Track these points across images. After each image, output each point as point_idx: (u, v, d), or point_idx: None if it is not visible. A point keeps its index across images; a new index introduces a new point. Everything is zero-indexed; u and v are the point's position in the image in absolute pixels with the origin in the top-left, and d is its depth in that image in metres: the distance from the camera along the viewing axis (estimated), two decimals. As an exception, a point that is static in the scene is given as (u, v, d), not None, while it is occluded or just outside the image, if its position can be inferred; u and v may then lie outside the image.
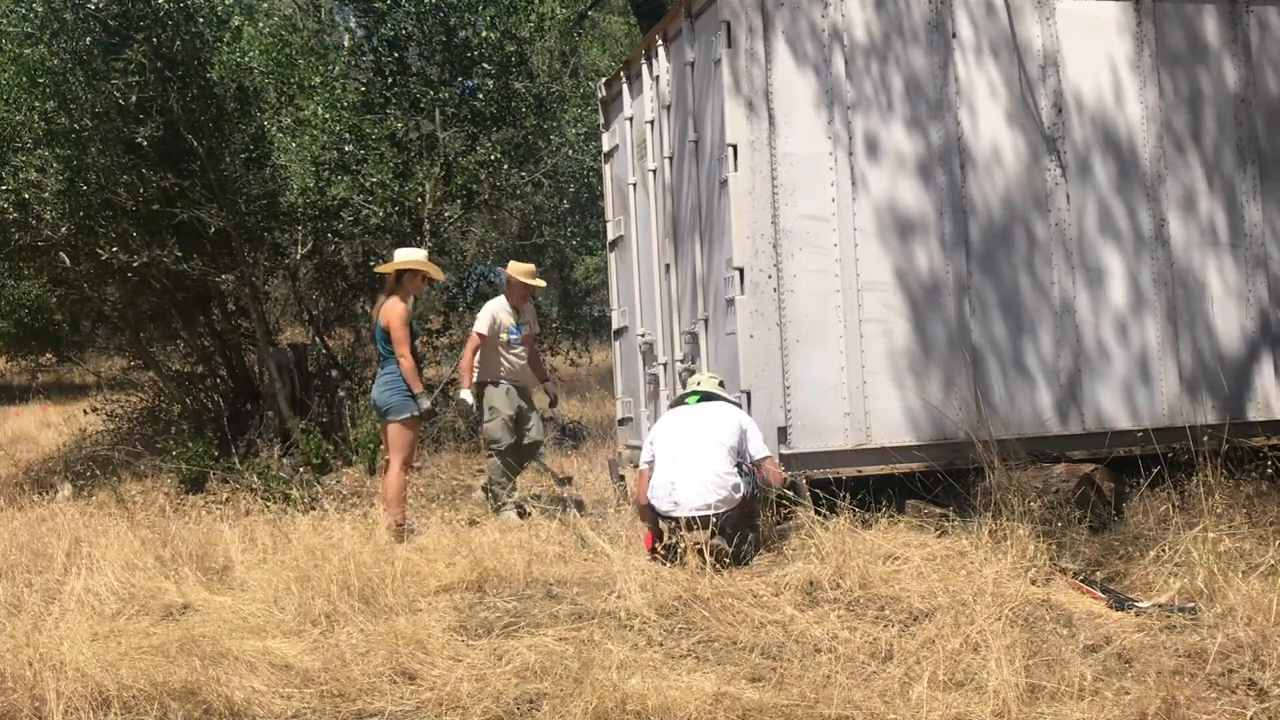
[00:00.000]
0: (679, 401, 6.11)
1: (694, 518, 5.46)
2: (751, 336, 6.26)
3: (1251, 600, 4.19)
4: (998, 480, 5.77)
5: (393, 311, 6.90)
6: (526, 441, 7.66)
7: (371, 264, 10.37)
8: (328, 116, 9.65)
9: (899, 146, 6.61)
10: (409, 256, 7.21)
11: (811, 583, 4.88)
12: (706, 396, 5.96)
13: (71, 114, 9.14)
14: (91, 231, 9.69)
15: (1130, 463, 6.38)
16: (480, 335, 7.51)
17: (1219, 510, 4.96)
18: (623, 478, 7.95)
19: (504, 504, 7.27)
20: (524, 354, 7.63)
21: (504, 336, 7.52)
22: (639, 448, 7.85)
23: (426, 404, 6.90)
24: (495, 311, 7.59)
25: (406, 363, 6.82)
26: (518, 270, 7.69)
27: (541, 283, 8.03)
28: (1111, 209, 6.89)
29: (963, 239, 6.66)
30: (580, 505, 7.60)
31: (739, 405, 6.07)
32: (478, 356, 7.54)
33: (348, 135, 9.79)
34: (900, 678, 3.74)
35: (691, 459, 5.62)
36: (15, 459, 12.72)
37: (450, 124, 10.39)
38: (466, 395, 7.55)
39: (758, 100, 6.38)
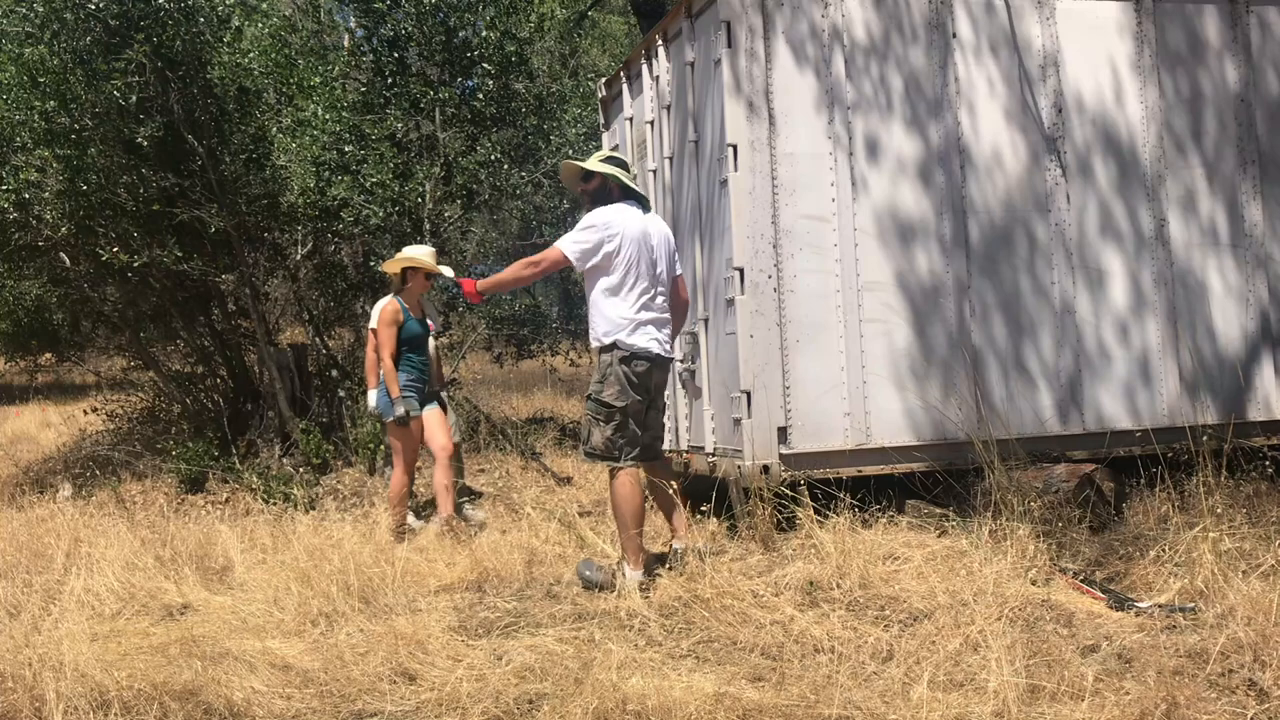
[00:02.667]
0: (627, 192, 5.37)
1: (667, 359, 5.33)
2: (751, 336, 6.26)
3: (1252, 600, 4.18)
4: (998, 480, 5.77)
5: (380, 312, 6.99)
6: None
7: (372, 264, 10.37)
8: (328, 117, 9.64)
9: (899, 147, 6.61)
10: (411, 253, 7.15)
11: (811, 583, 4.88)
12: (644, 203, 5.46)
13: (71, 114, 9.14)
14: (91, 231, 9.68)
15: (1130, 463, 6.38)
16: (373, 332, 7.33)
17: (1219, 510, 4.96)
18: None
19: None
20: (431, 348, 7.47)
21: None
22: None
23: (400, 410, 6.80)
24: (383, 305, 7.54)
25: (384, 365, 6.85)
26: (421, 255, 7.62)
27: (446, 270, 7.73)
28: (1112, 209, 6.90)
29: (963, 239, 6.66)
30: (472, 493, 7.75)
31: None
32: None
33: (348, 135, 9.78)
34: (900, 678, 3.74)
35: (664, 303, 5.33)
36: (15, 459, 12.72)
37: (450, 124, 10.38)
38: (372, 396, 7.35)
39: (758, 100, 6.38)
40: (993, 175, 6.75)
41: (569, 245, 5.16)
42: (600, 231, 5.16)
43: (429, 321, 7.52)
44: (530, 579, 5.33)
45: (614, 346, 5.19)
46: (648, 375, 5.24)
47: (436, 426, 7.03)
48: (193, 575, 5.43)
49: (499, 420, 10.66)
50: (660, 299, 5.32)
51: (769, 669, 3.96)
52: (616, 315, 5.19)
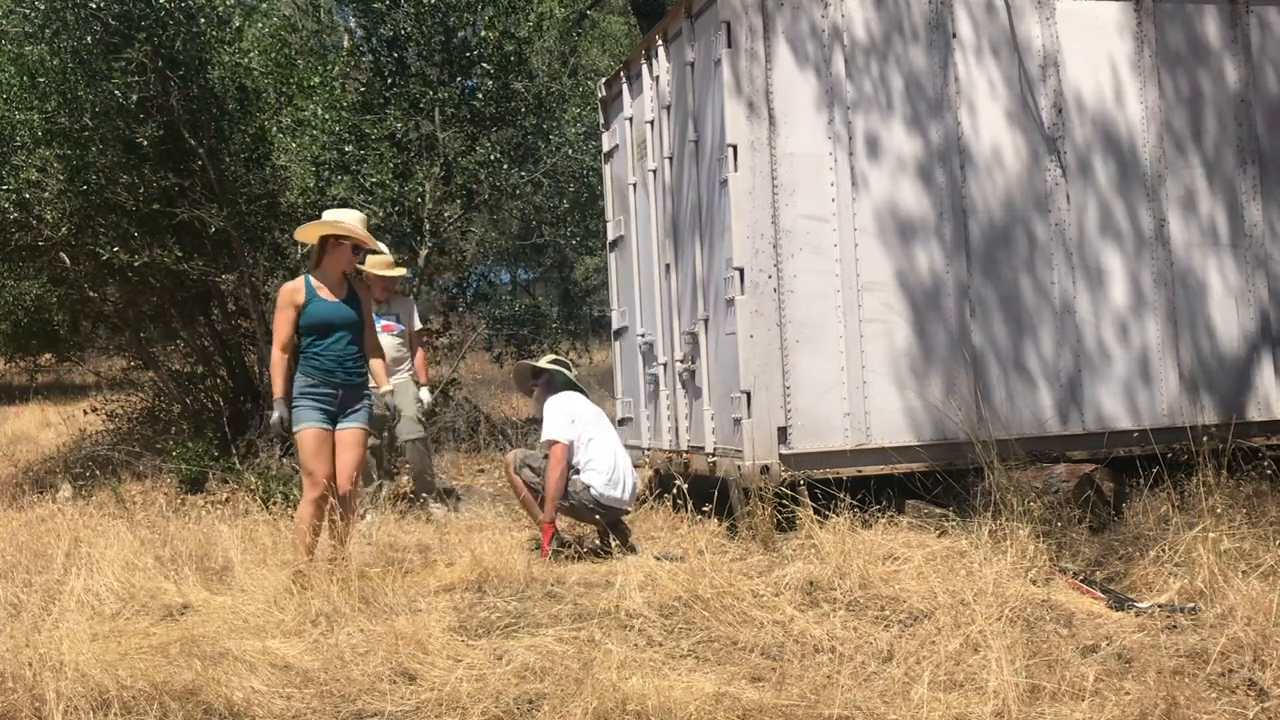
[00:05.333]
0: (567, 383, 6.40)
1: (626, 509, 6.22)
2: (751, 336, 6.26)
3: (1251, 600, 4.18)
4: (998, 480, 5.76)
5: (279, 293, 5.56)
6: (398, 443, 7.63)
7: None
8: (327, 116, 9.65)
9: (899, 146, 6.61)
10: (336, 217, 5.68)
11: (811, 583, 4.88)
12: (584, 391, 6.46)
13: (71, 114, 9.14)
14: (91, 231, 9.69)
15: (1130, 463, 6.38)
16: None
17: (1219, 510, 4.95)
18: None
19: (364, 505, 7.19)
20: (385, 344, 7.21)
21: None
22: (638, 448, 7.87)
23: (274, 414, 5.38)
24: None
25: (272, 358, 5.45)
26: (375, 264, 7.52)
27: (399, 271, 7.83)
28: (1112, 209, 6.90)
29: (963, 239, 6.66)
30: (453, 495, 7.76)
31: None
32: None
33: (347, 135, 9.79)
34: (900, 678, 3.74)
35: (626, 458, 6.23)
36: (15, 459, 12.72)
37: (450, 124, 10.38)
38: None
39: (758, 100, 6.38)
40: (993, 175, 6.75)
41: (557, 433, 6.03)
42: (565, 414, 6.11)
43: (386, 319, 7.35)
44: (530, 579, 5.33)
45: (588, 487, 6.01)
46: (606, 515, 6.09)
47: (341, 450, 5.43)
48: (193, 575, 5.42)
49: (499, 420, 10.67)
50: (620, 453, 6.19)
51: (769, 669, 3.95)
52: (593, 476, 6.03)
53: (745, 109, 6.36)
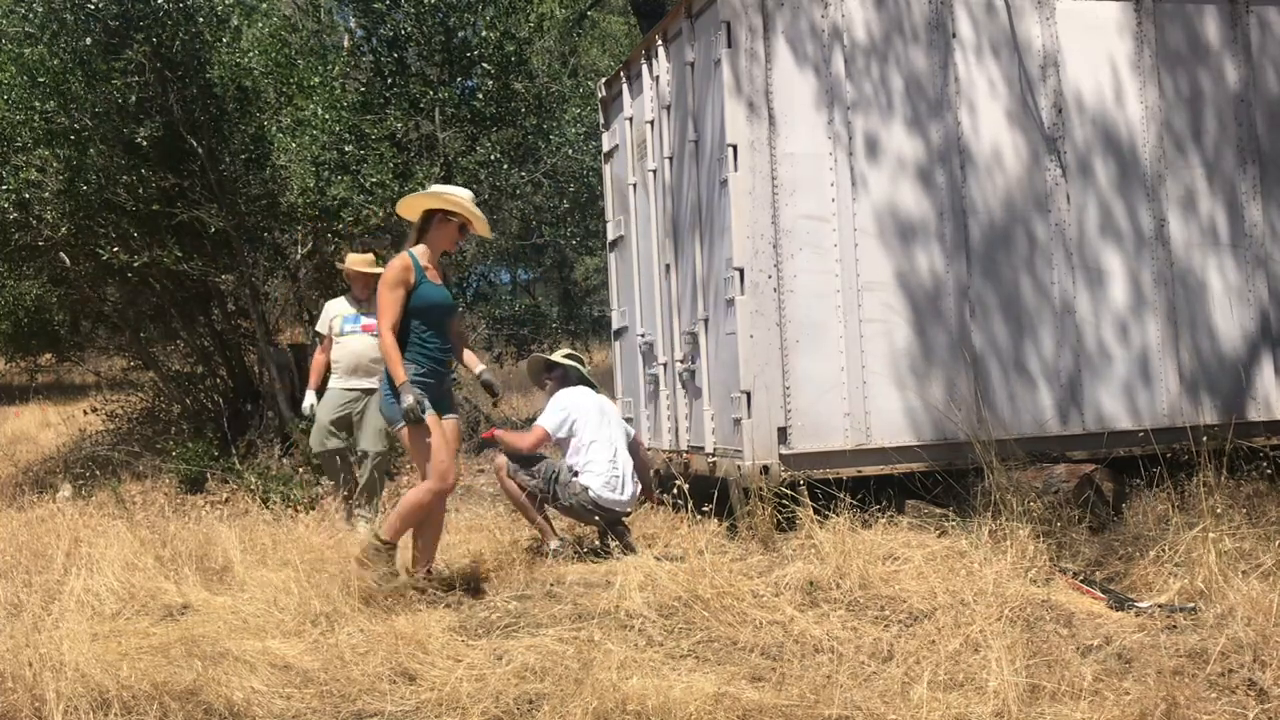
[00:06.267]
0: (581, 379, 6.40)
1: (626, 511, 6.14)
2: (751, 336, 6.26)
3: (1251, 600, 4.18)
4: (998, 480, 5.76)
5: (387, 269, 5.15)
6: (357, 450, 7.47)
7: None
8: (327, 116, 9.65)
9: (899, 146, 6.61)
10: (444, 190, 5.42)
11: (811, 583, 4.88)
12: (594, 387, 6.47)
13: (71, 114, 9.14)
14: (91, 231, 9.69)
15: (1130, 463, 6.38)
16: (319, 335, 7.50)
17: (1219, 510, 4.95)
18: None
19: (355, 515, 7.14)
20: (362, 344, 7.31)
21: (336, 327, 7.39)
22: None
23: (409, 399, 4.93)
24: (329, 306, 7.56)
25: (384, 342, 5.03)
26: (355, 261, 7.51)
27: (380, 269, 7.67)
28: (1112, 209, 6.90)
29: (963, 239, 6.66)
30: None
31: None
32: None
33: (347, 135, 9.79)
34: (900, 678, 3.74)
35: (626, 460, 6.14)
36: (15, 459, 12.72)
37: (450, 124, 10.39)
38: (309, 397, 7.46)
39: (758, 100, 6.38)
40: (993, 175, 6.75)
41: (547, 422, 6.10)
42: (564, 410, 6.14)
43: (368, 319, 7.16)
44: (530, 579, 5.33)
45: (587, 489, 5.96)
46: (605, 516, 6.03)
47: (451, 442, 5.21)
48: (193, 575, 5.43)
49: (499, 420, 10.67)
50: (621, 454, 6.12)
51: (769, 669, 3.96)
52: (591, 479, 5.98)
53: (745, 109, 6.36)
